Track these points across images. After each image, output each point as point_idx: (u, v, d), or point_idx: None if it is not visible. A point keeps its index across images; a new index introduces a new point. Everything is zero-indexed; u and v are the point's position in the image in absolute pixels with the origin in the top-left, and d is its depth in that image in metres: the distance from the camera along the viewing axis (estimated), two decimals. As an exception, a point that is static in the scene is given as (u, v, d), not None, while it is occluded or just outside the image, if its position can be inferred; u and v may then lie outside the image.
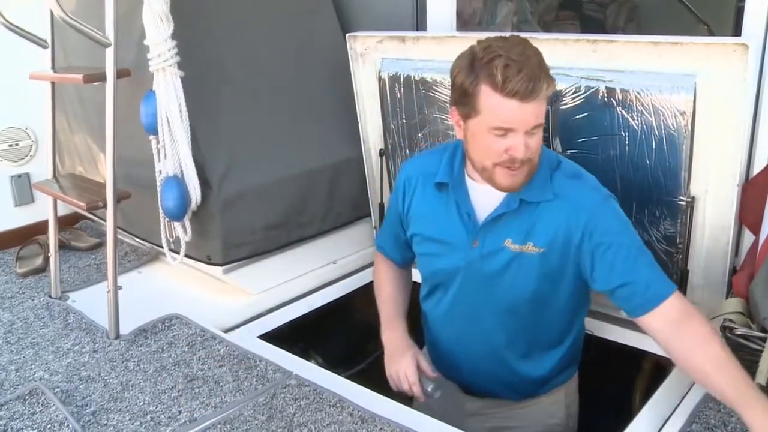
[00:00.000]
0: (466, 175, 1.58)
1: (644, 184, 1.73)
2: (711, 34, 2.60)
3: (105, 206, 1.96)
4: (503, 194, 1.51)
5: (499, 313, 1.59)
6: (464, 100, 1.42)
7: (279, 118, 2.38)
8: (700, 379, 1.40)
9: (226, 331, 2.03)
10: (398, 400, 1.66)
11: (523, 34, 1.85)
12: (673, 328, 1.40)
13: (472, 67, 1.38)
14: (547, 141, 1.85)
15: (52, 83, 2.23)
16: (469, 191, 1.57)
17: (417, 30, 2.43)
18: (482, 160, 1.46)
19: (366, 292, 2.62)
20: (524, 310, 1.57)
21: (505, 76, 1.33)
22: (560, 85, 1.77)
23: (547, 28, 3.31)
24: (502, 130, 1.38)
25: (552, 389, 1.72)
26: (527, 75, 1.32)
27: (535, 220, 1.50)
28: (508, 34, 1.46)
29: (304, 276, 2.33)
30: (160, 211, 2.12)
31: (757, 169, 1.71)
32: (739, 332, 1.47)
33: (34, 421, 1.57)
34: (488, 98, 1.37)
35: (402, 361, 1.62)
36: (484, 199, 1.54)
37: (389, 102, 2.21)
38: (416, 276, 1.86)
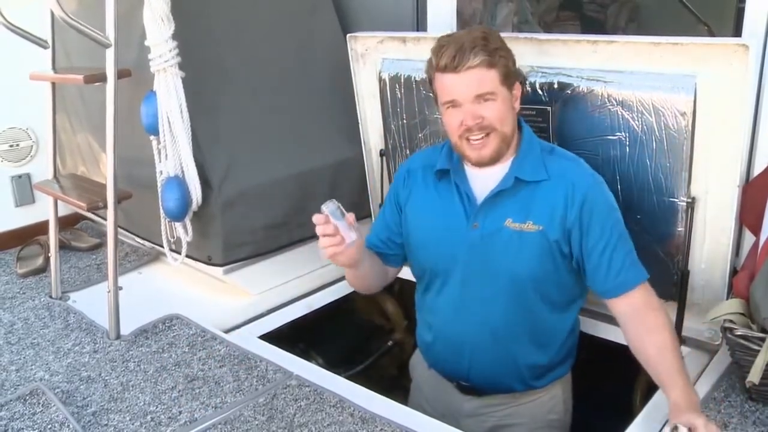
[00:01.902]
0: (463, 162, 1.65)
1: (644, 184, 1.73)
2: (711, 34, 2.59)
3: (105, 206, 1.96)
4: (500, 176, 1.58)
5: (501, 295, 1.60)
6: (432, 89, 1.60)
7: (279, 118, 2.38)
8: (643, 360, 1.49)
9: (227, 331, 2.03)
10: (398, 400, 1.66)
11: (523, 35, 1.87)
12: (633, 314, 1.53)
13: (429, 59, 1.57)
14: (547, 141, 1.85)
15: (53, 84, 2.23)
16: (468, 176, 1.64)
17: (417, 30, 2.43)
18: (452, 137, 1.59)
19: (366, 292, 2.62)
20: (526, 290, 1.59)
21: (438, 55, 1.51)
22: (561, 86, 1.77)
23: (547, 28, 3.31)
24: (450, 103, 1.53)
25: (549, 383, 1.73)
26: (454, 49, 1.48)
27: (533, 199, 1.57)
28: (477, 26, 1.65)
29: (305, 276, 2.33)
30: (161, 211, 2.13)
31: (757, 169, 1.71)
32: (739, 333, 1.47)
33: (35, 421, 1.57)
34: (436, 79, 1.55)
35: None
36: (482, 182, 1.61)
37: (390, 102, 2.21)
38: (408, 275, 1.86)
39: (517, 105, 1.59)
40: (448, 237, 1.64)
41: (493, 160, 1.57)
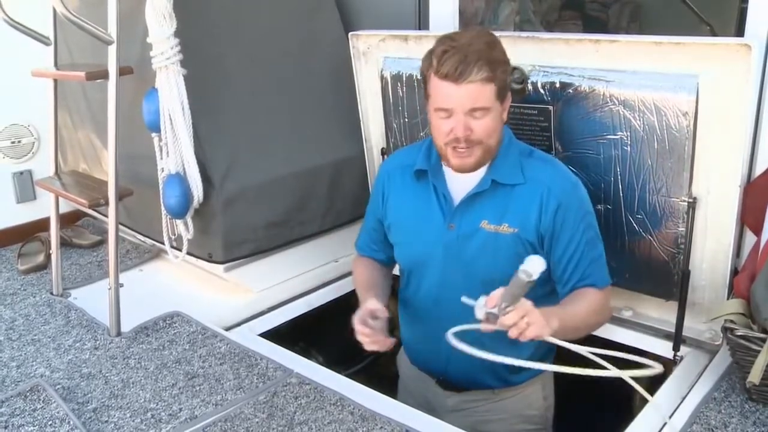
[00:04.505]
0: (443, 163, 1.66)
1: (646, 184, 1.73)
2: (714, 34, 2.59)
3: (107, 204, 1.96)
4: (478, 178, 1.59)
5: (476, 294, 1.59)
6: (424, 86, 1.56)
7: (281, 116, 2.38)
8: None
9: (227, 328, 2.03)
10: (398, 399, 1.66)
11: (525, 34, 1.86)
12: (575, 292, 1.57)
13: (427, 56, 1.52)
14: (548, 141, 1.85)
15: (55, 80, 2.23)
16: (446, 177, 1.65)
17: (419, 29, 2.43)
18: (436, 140, 1.57)
19: (367, 290, 2.62)
20: None
21: (440, 61, 1.46)
22: (562, 85, 1.77)
23: (549, 27, 3.31)
24: (443, 111, 1.50)
25: (529, 379, 1.75)
26: (459, 59, 1.44)
27: (509, 202, 1.58)
28: (478, 29, 1.63)
29: (305, 274, 2.33)
30: (162, 208, 2.13)
31: (759, 170, 1.71)
32: (739, 333, 1.47)
33: (35, 417, 1.57)
34: (431, 82, 1.51)
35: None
36: (460, 184, 1.62)
37: (391, 101, 2.21)
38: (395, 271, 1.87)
39: (506, 116, 1.58)
40: (425, 236, 1.66)
41: (475, 168, 1.58)
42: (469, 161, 1.55)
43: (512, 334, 1.34)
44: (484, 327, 1.39)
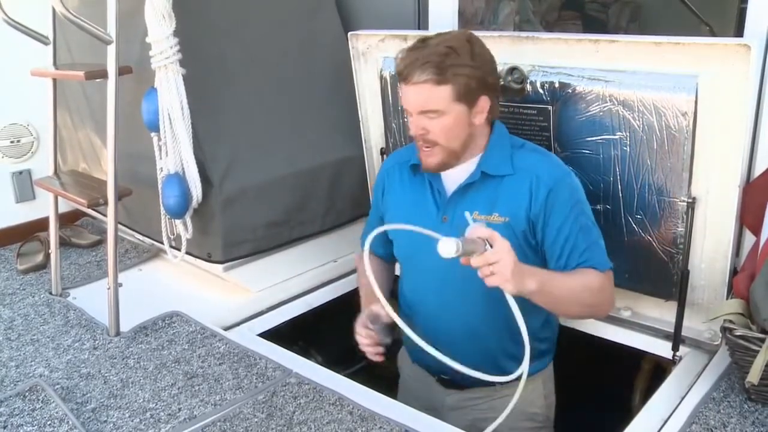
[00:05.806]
0: None
1: (645, 184, 1.73)
2: (713, 34, 2.59)
3: (106, 203, 1.96)
4: (470, 171, 1.62)
5: (473, 287, 1.58)
6: None
7: (280, 116, 2.38)
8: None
9: (227, 328, 2.03)
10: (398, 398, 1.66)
11: (524, 34, 1.87)
12: (575, 270, 1.56)
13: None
14: (547, 141, 1.85)
15: (54, 80, 2.23)
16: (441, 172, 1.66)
17: (419, 29, 2.43)
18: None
19: (366, 290, 2.62)
20: None
21: (396, 59, 1.52)
22: (562, 85, 1.77)
23: (549, 27, 3.31)
24: (406, 111, 1.56)
25: (530, 376, 1.73)
26: (408, 59, 1.48)
27: (499, 192, 1.60)
28: (457, 31, 1.62)
29: (305, 274, 2.33)
30: (161, 208, 2.13)
31: (758, 170, 1.71)
32: (738, 333, 1.47)
33: (34, 417, 1.57)
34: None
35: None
36: (453, 177, 1.64)
37: (391, 101, 2.21)
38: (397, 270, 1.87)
39: (480, 118, 1.56)
40: None
41: (439, 169, 1.60)
42: (431, 161, 1.58)
43: (479, 274, 1.34)
44: (464, 261, 1.39)
